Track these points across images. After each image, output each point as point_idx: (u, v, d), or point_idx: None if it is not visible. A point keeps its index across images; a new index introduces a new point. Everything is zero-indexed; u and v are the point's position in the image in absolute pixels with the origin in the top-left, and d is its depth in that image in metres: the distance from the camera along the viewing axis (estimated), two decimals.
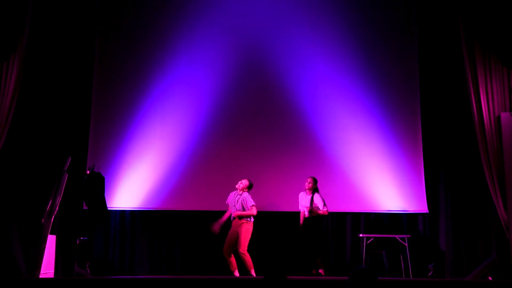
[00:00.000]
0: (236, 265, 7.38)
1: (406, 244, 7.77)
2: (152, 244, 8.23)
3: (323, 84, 8.48)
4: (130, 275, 7.96)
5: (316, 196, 7.64)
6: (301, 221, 7.72)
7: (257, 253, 7.65)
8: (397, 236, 7.93)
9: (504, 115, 7.15)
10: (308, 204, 7.64)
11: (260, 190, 8.00)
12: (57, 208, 6.62)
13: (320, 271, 7.51)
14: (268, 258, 7.98)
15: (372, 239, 7.92)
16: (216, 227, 7.53)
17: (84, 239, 7.73)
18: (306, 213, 7.64)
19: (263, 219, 8.04)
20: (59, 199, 6.62)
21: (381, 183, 8.20)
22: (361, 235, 7.84)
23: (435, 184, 8.30)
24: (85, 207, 7.41)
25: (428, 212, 8.14)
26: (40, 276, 6.41)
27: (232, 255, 7.40)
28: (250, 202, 7.42)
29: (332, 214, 8.30)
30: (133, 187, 8.04)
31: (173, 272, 8.03)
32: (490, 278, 6.97)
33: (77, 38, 8.40)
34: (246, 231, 7.35)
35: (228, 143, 8.36)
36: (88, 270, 7.65)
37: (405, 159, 8.28)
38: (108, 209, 7.30)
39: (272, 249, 8.08)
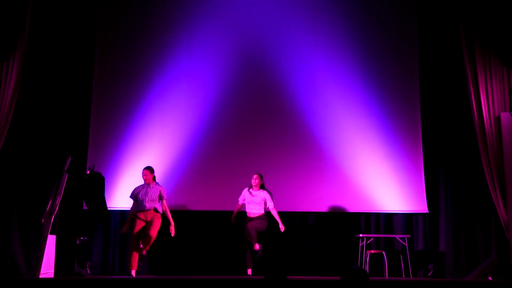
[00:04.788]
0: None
1: (406, 244, 7.78)
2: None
3: (324, 83, 8.47)
4: (130, 275, 7.95)
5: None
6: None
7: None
8: (397, 236, 7.94)
9: (504, 115, 7.15)
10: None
11: None
12: (57, 208, 6.62)
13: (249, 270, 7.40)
14: (268, 258, 7.97)
15: (372, 239, 7.93)
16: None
17: (84, 239, 7.74)
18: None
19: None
20: (59, 199, 6.62)
21: (381, 183, 8.20)
22: (361, 235, 7.84)
23: (435, 184, 8.31)
24: (85, 207, 7.41)
25: (428, 212, 8.14)
26: (40, 276, 6.41)
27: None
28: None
29: (332, 214, 8.30)
30: (133, 187, 8.02)
31: (173, 272, 8.02)
32: (490, 278, 6.98)
33: (77, 38, 8.40)
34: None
35: (229, 143, 8.36)
36: (88, 270, 7.65)
37: (405, 159, 8.28)
38: (108, 209, 7.30)
39: (272, 249, 8.07)
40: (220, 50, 8.54)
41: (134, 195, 7.31)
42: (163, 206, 7.28)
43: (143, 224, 7.16)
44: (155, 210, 7.18)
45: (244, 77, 8.49)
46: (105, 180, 7.14)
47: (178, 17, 8.60)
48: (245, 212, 7.55)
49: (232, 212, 7.71)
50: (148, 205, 7.17)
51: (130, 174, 8.12)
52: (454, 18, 7.79)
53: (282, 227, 7.43)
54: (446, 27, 8.28)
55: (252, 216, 7.47)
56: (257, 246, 7.22)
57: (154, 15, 8.62)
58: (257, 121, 8.42)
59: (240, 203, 7.63)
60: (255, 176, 7.60)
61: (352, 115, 8.39)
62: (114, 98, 8.44)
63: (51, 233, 6.78)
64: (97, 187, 6.97)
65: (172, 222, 7.28)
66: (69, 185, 6.79)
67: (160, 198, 7.26)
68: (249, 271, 7.34)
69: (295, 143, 8.34)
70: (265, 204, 7.51)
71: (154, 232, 7.09)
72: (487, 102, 7.32)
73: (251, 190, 7.60)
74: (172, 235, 7.27)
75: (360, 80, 8.47)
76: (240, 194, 7.65)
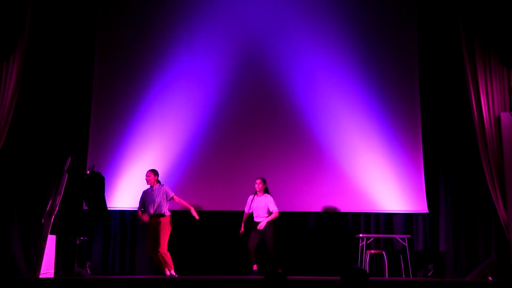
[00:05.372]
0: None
1: (406, 244, 7.78)
2: None
3: (324, 83, 8.46)
4: (130, 275, 7.96)
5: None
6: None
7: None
8: (397, 236, 7.94)
9: (504, 115, 7.15)
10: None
11: None
12: (57, 208, 6.62)
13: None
14: (268, 258, 7.97)
15: (372, 239, 7.93)
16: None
17: (84, 239, 7.74)
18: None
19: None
20: (59, 199, 6.62)
21: (381, 183, 8.20)
22: (361, 235, 7.84)
23: (435, 184, 8.30)
24: (85, 207, 7.41)
25: (428, 212, 8.14)
26: (40, 276, 6.41)
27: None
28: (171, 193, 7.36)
29: (332, 214, 8.30)
30: (133, 187, 8.03)
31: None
32: (490, 278, 6.98)
33: (77, 38, 8.41)
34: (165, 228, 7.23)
35: (229, 143, 8.36)
36: (88, 270, 7.65)
37: (405, 159, 8.28)
38: (108, 209, 7.30)
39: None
40: (220, 49, 8.54)
41: (141, 200, 7.40)
42: (177, 200, 7.34)
43: (152, 228, 7.24)
44: (160, 215, 7.19)
45: (244, 77, 8.49)
46: (105, 180, 7.14)
47: (178, 17, 8.60)
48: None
49: (232, 212, 7.74)
50: (151, 209, 7.24)
51: (130, 174, 8.12)
52: (454, 18, 7.79)
53: (262, 225, 7.42)
54: (446, 27, 8.27)
55: (258, 220, 7.52)
56: (255, 267, 7.35)
57: (154, 15, 8.62)
58: (258, 120, 8.41)
59: (246, 212, 7.67)
60: (258, 181, 7.63)
61: (352, 115, 8.39)
62: (114, 98, 8.44)
63: (51, 233, 6.78)
64: (97, 187, 6.97)
65: (191, 208, 7.32)
66: (69, 185, 6.79)
67: (166, 198, 7.29)
68: (255, 267, 7.36)
69: (295, 143, 8.34)
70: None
71: (161, 237, 7.13)
72: (487, 102, 7.32)
73: (255, 196, 7.61)
74: (197, 218, 7.31)
75: (360, 80, 8.46)
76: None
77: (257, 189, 7.60)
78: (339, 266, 7.80)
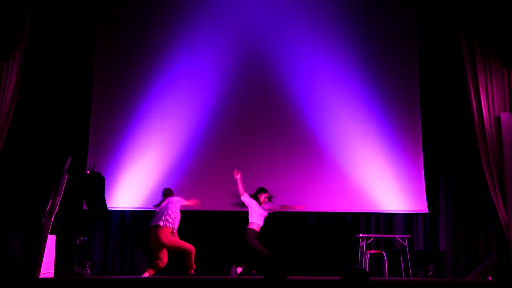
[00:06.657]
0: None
1: (406, 244, 7.78)
2: None
3: (324, 83, 8.48)
4: (130, 275, 7.96)
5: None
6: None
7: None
8: (397, 236, 7.94)
9: (504, 115, 7.15)
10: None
11: None
12: (57, 208, 6.62)
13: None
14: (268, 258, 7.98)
15: (372, 239, 7.93)
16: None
17: (84, 239, 7.74)
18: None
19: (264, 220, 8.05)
20: (59, 199, 6.62)
21: (381, 183, 8.20)
22: (361, 235, 7.84)
23: (435, 184, 8.31)
24: (85, 207, 7.41)
25: (428, 212, 8.14)
26: (40, 276, 6.41)
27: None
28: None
29: (332, 214, 8.31)
30: (133, 187, 8.04)
31: (173, 272, 8.02)
32: (490, 278, 6.98)
33: (77, 38, 8.42)
34: None
35: (229, 144, 8.36)
36: (88, 270, 7.65)
37: (405, 159, 8.28)
38: (108, 209, 7.30)
39: (272, 249, 8.07)
40: (220, 50, 8.54)
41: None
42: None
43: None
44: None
45: (244, 77, 8.49)
46: (105, 180, 7.14)
47: (178, 17, 8.61)
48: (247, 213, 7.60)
49: (232, 212, 7.75)
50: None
51: (130, 174, 8.13)
52: (454, 18, 7.79)
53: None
54: (446, 27, 8.28)
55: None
56: (239, 269, 7.26)
57: (154, 15, 8.63)
58: (258, 121, 8.42)
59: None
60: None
61: (352, 116, 8.39)
62: (114, 98, 8.45)
63: (51, 233, 6.78)
64: (97, 187, 6.97)
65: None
66: (69, 185, 6.79)
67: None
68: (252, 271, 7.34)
69: (295, 143, 8.34)
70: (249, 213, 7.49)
71: None
72: (487, 102, 7.32)
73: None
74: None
75: (360, 80, 8.46)
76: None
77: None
78: (339, 266, 7.81)
